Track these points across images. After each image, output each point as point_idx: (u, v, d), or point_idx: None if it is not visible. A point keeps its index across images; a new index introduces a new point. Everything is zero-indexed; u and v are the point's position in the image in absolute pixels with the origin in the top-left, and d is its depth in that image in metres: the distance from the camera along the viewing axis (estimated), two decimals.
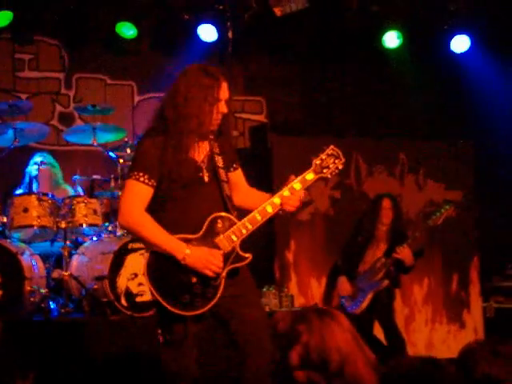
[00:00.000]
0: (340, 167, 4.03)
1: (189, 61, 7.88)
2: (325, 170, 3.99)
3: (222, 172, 3.94)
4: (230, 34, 8.07)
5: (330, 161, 3.99)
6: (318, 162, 3.98)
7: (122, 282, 6.19)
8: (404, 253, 6.61)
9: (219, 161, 3.95)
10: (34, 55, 8.08)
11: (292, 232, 7.96)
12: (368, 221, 7.05)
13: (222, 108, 3.85)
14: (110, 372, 5.47)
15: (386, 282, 6.78)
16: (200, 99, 3.79)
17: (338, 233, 7.87)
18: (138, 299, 6.17)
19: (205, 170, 3.89)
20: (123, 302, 6.17)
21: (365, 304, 6.73)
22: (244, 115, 8.77)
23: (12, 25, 7.61)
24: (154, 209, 3.83)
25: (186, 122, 3.78)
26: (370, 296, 6.74)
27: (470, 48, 8.43)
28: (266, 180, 7.60)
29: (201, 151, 3.91)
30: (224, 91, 3.85)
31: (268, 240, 7.91)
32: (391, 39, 8.38)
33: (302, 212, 7.96)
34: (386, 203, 6.99)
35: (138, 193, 3.81)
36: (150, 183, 3.79)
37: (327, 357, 2.58)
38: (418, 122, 8.72)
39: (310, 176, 3.95)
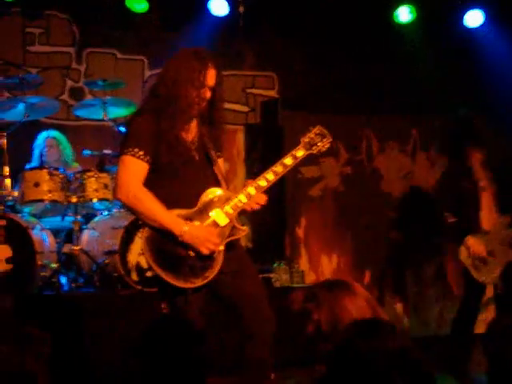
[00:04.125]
0: (327, 146, 4.18)
1: (200, 35, 7.92)
2: (314, 148, 4.14)
3: (212, 152, 4.03)
4: (241, 9, 8.03)
5: (317, 139, 4.15)
6: (306, 139, 4.13)
7: (133, 256, 6.19)
8: None
9: (209, 143, 4.04)
10: (44, 29, 8.04)
11: (303, 208, 7.94)
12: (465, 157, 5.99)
13: (205, 94, 3.92)
14: (120, 346, 5.48)
15: None
16: (187, 81, 3.87)
17: (348, 209, 7.84)
18: (149, 274, 6.16)
19: (195, 150, 3.98)
20: (133, 276, 6.17)
21: (498, 271, 5.83)
22: (255, 90, 8.73)
23: None
24: (149, 186, 3.88)
25: (175, 102, 3.87)
26: (503, 264, 5.87)
27: (484, 23, 8.36)
28: (276, 155, 7.57)
29: (190, 132, 4.01)
30: (211, 78, 3.93)
31: (279, 216, 7.90)
32: (404, 14, 8.32)
33: (312, 188, 7.94)
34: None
35: (134, 168, 3.87)
36: (145, 159, 3.86)
37: (340, 328, 2.62)
38: (430, 97, 8.64)
39: (299, 153, 4.10)
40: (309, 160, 7.55)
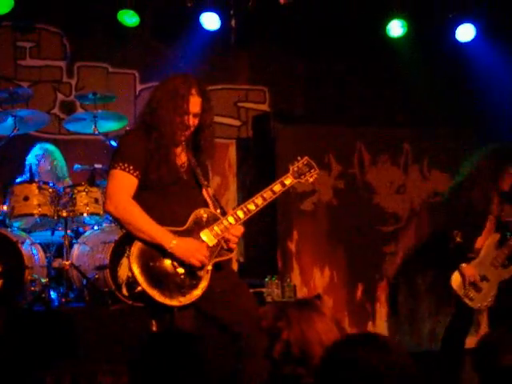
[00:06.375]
0: (315, 177, 4.33)
1: (191, 49, 7.92)
2: (302, 177, 4.27)
3: (201, 178, 4.09)
4: (233, 23, 8.03)
5: (305, 169, 4.28)
6: (295, 168, 4.26)
7: (123, 271, 6.11)
8: None
9: (197, 169, 4.09)
10: (35, 43, 8.02)
11: (295, 222, 7.91)
12: (485, 179, 5.85)
13: (189, 121, 3.95)
14: (112, 361, 5.44)
15: (511, 270, 5.84)
16: (170, 108, 3.92)
17: (341, 223, 7.82)
18: (139, 289, 6.11)
19: (184, 173, 4.03)
20: (124, 291, 6.10)
21: (493, 293, 5.78)
22: (247, 104, 8.71)
23: (13, 12, 7.54)
24: (138, 202, 3.90)
25: (159, 128, 3.91)
26: (496, 287, 5.80)
27: (475, 37, 8.36)
28: (268, 169, 7.57)
29: (179, 157, 4.06)
30: (194, 105, 3.96)
31: (270, 230, 7.87)
32: (395, 28, 8.31)
33: (305, 202, 7.92)
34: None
35: (124, 182, 3.91)
36: (135, 174, 3.90)
37: (308, 351, 2.59)
38: (422, 111, 8.65)
39: (288, 180, 4.22)
40: None
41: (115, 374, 2.74)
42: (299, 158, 4.28)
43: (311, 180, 4.29)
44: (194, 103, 3.95)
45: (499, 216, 5.91)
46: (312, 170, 4.28)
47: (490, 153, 6.07)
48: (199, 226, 3.94)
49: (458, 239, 5.76)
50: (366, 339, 2.21)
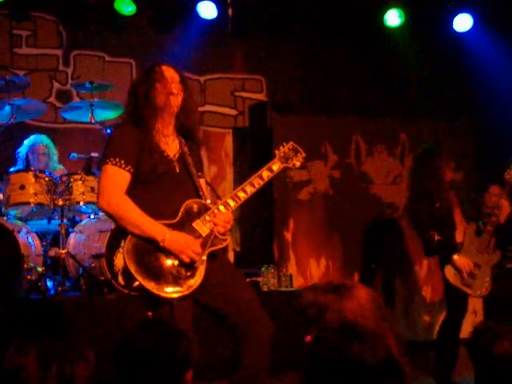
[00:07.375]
0: (301, 161, 4.28)
1: (188, 38, 7.90)
2: (289, 161, 4.23)
3: (192, 168, 4.06)
4: (229, 12, 8.01)
5: (291, 154, 4.24)
6: (281, 154, 4.22)
7: (120, 260, 6.13)
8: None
9: (189, 160, 4.07)
10: (31, 31, 8.00)
11: (291, 212, 7.92)
12: (433, 182, 5.90)
13: (169, 99, 3.95)
14: (107, 350, 5.44)
15: (498, 253, 5.87)
16: (148, 92, 3.94)
17: (337, 213, 7.82)
18: (136, 283, 6.12)
19: (176, 164, 4.01)
20: (120, 280, 6.10)
21: (489, 279, 5.80)
22: (244, 94, 8.70)
23: (9, 0, 7.53)
24: (131, 196, 3.88)
25: (144, 114, 3.92)
26: (489, 272, 5.83)
27: (473, 27, 8.37)
28: (265, 159, 7.55)
29: (172, 148, 4.04)
30: (170, 82, 3.95)
31: (267, 220, 7.87)
32: (393, 18, 8.31)
33: (301, 191, 7.92)
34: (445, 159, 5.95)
35: (115, 177, 3.87)
36: (126, 168, 3.87)
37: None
38: (419, 101, 8.65)
39: (275, 166, 4.17)
40: None
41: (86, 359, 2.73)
42: (284, 143, 4.26)
43: (298, 164, 4.25)
44: (170, 79, 3.96)
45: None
46: (298, 154, 4.24)
47: (419, 156, 6.15)
48: (191, 216, 3.92)
49: (437, 237, 5.80)
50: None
